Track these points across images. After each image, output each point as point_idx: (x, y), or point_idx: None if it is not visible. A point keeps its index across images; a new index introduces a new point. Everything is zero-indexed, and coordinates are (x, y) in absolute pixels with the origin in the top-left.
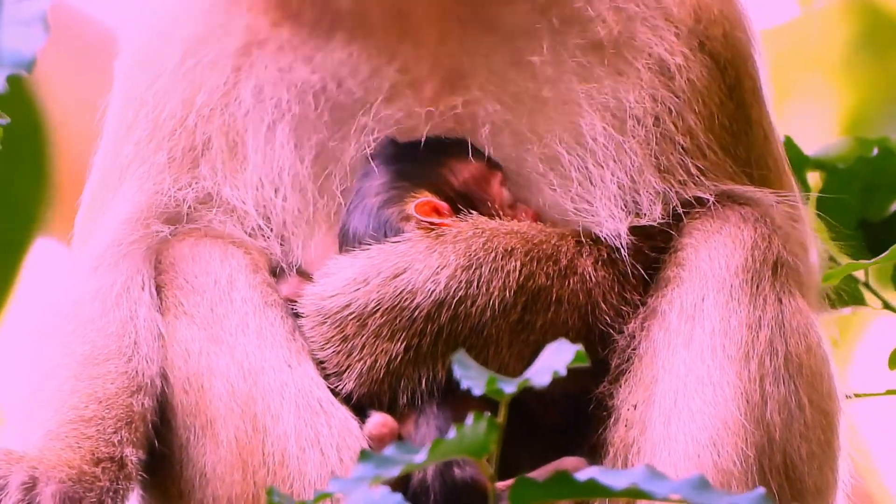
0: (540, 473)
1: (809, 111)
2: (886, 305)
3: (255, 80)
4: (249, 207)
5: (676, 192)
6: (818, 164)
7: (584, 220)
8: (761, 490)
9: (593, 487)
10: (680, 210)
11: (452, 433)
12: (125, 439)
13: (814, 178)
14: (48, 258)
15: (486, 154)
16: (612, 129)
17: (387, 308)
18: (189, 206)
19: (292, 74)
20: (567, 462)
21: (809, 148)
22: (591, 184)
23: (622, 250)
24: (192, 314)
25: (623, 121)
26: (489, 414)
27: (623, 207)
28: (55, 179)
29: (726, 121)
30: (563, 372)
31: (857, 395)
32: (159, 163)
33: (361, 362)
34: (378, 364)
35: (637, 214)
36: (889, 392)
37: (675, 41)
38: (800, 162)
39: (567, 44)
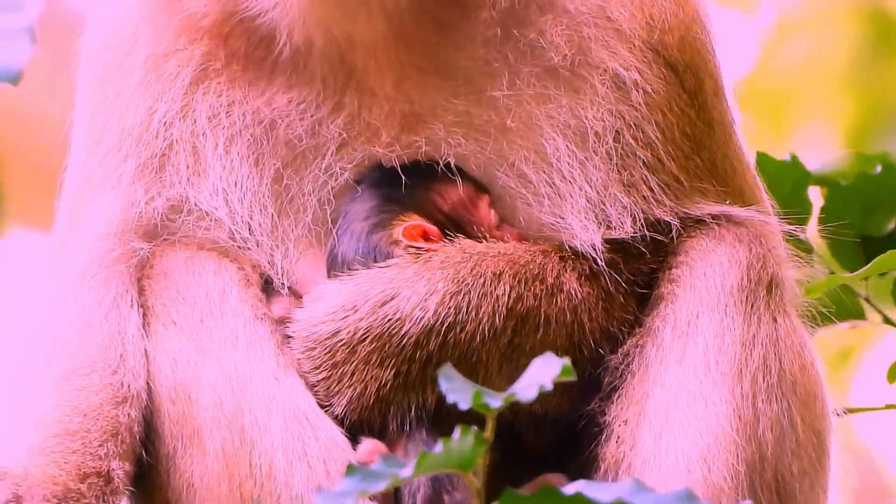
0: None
1: (818, 120)
2: (887, 320)
3: (209, 102)
4: (222, 215)
5: (643, 209)
6: (820, 181)
7: (559, 233)
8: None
9: (580, 501)
10: (650, 232)
11: (439, 447)
12: (111, 452)
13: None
14: (18, 247)
15: (474, 177)
16: (575, 147)
17: (376, 335)
18: (162, 217)
19: (245, 106)
20: (548, 479)
21: (812, 161)
22: (561, 198)
23: (599, 261)
24: (180, 324)
25: (584, 137)
26: (476, 428)
27: (594, 220)
28: (12, 164)
29: (688, 128)
30: (549, 386)
31: (854, 410)
32: (128, 172)
33: (352, 388)
34: (368, 390)
35: (608, 227)
36: (889, 406)
37: (629, 55)
38: (802, 178)
39: (524, 74)
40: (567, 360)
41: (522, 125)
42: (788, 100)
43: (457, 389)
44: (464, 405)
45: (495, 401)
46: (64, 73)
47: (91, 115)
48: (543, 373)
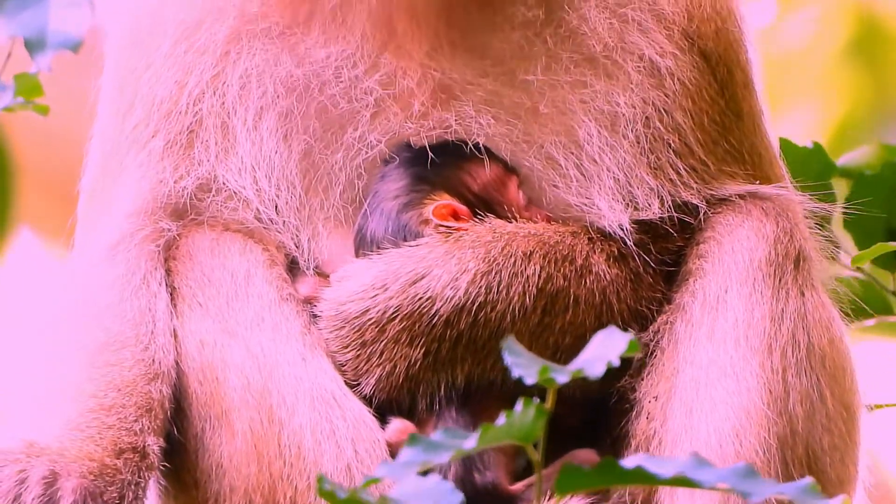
0: (554, 468)
1: (801, 113)
2: None
3: (242, 67)
4: (249, 194)
5: (669, 191)
6: (845, 173)
7: (587, 214)
8: (809, 479)
9: (640, 475)
10: (673, 213)
11: (502, 419)
12: (146, 427)
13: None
14: (27, 249)
15: (503, 158)
16: (606, 131)
17: (406, 314)
18: (191, 196)
19: (278, 68)
20: (578, 455)
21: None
22: (588, 180)
23: (627, 241)
24: (206, 306)
25: (615, 122)
26: (538, 400)
27: (621, 201)
28: (22, 170)
29: (717, 116)
30: (616, 363)
31: (877, 407)
32: (157, 148)
33: (381, 367)
34: (397, 369)
35: (636, 208)
36: None
37: (665, 42)
38: (826, 170)
39: (562, 59)
40: (633, 336)
41: (556, 110)
42: (782, 77)
43: (522, 364)
44: (530, 380)
45: (562, 376)
46: (80, 81)
47: (120, 84)
48: (609, 348)
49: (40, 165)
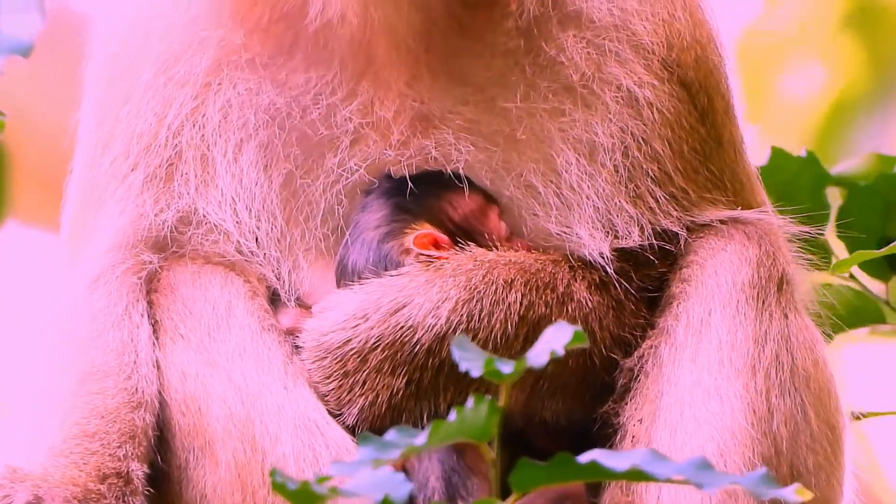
0: (538, 494)
1: (799, 87)
2: None
3: (223, 98)
4: (229, 226)
5: (649, 219)
6: (839, 182)
7: (567, 242)
8: (762, 470)
9: (595, 470)
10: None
11: (453, 416)
12: (130, 454)
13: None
14: (15, 241)
15: (484, 187)
16: (584, 160)
17: (387, 344)
18: (172, 229)
19: (259, 97)
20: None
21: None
22: (568, 208)
23: (608, 268)
24: (188, 338)
25: (593, 151)
26: (489, 396)
27: (601, 229)
28: (15, 162)
29: (697, 144)
30: (560, 352)
31: (870, 415)
32: (137, 181)
33: (363, 397)
34: (380, 399)
35: (616, 237)
36: None
37: (644, 73)
38: (820, 179)
39: (540, 88)
40: (579, 327)
41: (534, 137)
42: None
43: (469, 358)
44: (476, 372)
45: (507, 367)
46: (69, 73)
47: (99, 116)
48: (555, 339)
49: (30, 159)
